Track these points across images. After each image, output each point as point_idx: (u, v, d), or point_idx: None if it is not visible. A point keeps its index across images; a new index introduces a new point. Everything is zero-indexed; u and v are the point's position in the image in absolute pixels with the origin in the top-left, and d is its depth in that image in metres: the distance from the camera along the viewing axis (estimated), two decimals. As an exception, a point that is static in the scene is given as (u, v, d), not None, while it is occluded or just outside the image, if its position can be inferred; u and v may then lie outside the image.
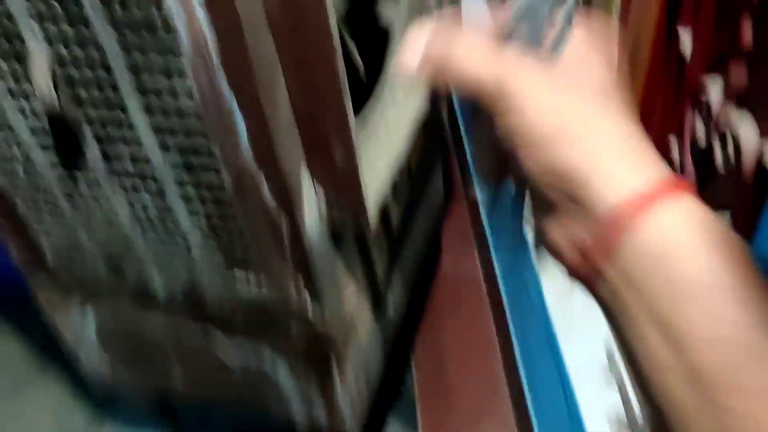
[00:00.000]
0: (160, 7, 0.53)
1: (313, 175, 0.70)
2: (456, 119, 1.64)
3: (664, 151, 0.62)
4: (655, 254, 0.24)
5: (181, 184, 0.69)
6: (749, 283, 0.23)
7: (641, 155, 0.26)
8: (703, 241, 0.24)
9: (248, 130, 0.61)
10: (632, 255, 0.24)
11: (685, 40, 0.55)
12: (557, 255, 0.29)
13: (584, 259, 0.26)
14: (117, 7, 0.55)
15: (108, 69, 0.60)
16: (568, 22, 0.28)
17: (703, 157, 0.57)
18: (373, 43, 0.98)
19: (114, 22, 0.56)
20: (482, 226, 1.39)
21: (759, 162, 0.47)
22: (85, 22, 0.57)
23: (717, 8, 0.51)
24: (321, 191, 0.72)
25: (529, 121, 0.27)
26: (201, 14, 0.53)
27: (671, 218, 0.24)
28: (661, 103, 0.64)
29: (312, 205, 0.72)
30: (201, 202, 0.70)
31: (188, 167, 0.66)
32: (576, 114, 0.27)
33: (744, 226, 0.51)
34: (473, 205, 1.50)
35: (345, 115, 0.63)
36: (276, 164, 0.64)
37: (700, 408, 0.22)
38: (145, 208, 0.74)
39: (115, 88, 0.62)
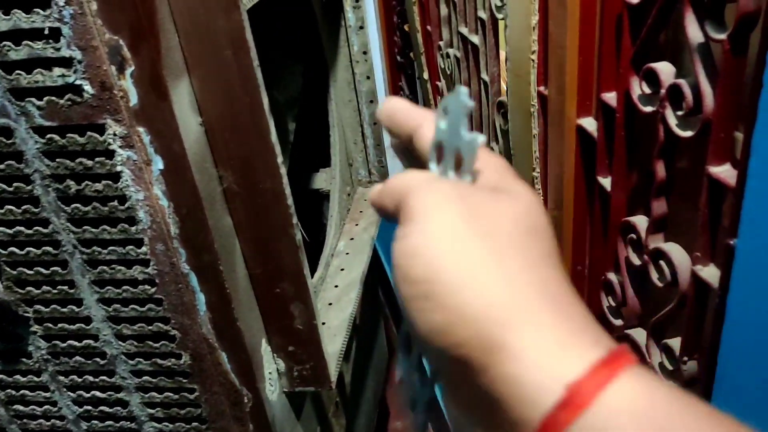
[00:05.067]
0: (123, 200, 0.55)
1: (273, 341, 0.70)
2: (388, 279, 1.68)
3: (606, 288, 0.67)
4: None
5: (137, 373, 0.66)
6: None
7: (568, 320, 0.22)
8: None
9: (208, 305, 0.61)
10: None
11: (606, 187, 0.63)
12: None
13: None
14: (77, 205, 0.56)
15: (64, 264, 0.60)
16: (473, 153, 0.26)
17: (639, 276, 0.62)
18: (309, 210, 1.03)
19: (73, 220, 0.57)
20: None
21: (693, 275, 0.53)
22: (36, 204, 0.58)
23: (628, 158, 0.59)
24: (281, 357, 0.71)
25: (426, 256, 0.22)
26: (160, 193, 0.55)
27: (611, 411, 0.20)
28: (593, 245, 0.70)
29: (273, 375, 0.71)
30: (158, 391, 0.67)
31: (146, 355, 0.65)
32: (485, 259, 0.22)
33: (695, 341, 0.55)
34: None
35: (303, 278, 0.65)
36: (238, 336, 0.64)
37: None
38: (93, 404, 0.70)
39: (70, 283, 0.61)
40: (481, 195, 0.24)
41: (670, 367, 0.58)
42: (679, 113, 0.50)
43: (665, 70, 0.52)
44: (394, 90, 1.75)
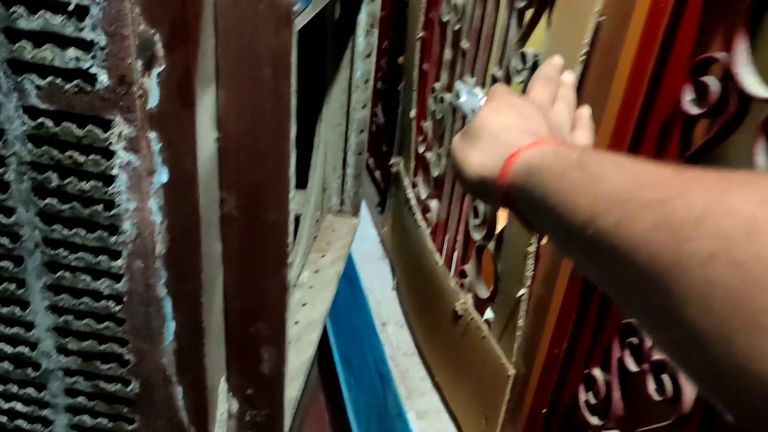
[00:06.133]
0: (110, 206, 0.48)
1: (232, 381, 0.64)
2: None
3: (588, 383, 0.65)
4: (532, 166, 0.38)
5: (72, 393, 0.58)
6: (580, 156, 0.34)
7: (527, 132, 0.43)
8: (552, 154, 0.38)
9: (176, 335, 0.55)
10: (519, 171, 0.39)
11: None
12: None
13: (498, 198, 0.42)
14: (53, 200, 0.49)
15: (18, 260, 0.52)
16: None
17: (631, 383, 0.60)
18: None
19: (44, 215, 0.50)
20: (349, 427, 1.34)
21: (701, 398, 0.51)
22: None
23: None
24: (237, 398, 0.65)
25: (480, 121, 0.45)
26: (155, 208, 0.49)
27: (532, 154, 0.39)
28: (581, 335, 0.68)
29: (224, 417, 0.65)
30: (92, 415, 0.60)
31: (88, 375, 0.57)
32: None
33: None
34: (337, 406, 1.45)
35: (284, 321, 0.60)
36: (200, 373, 0.58)
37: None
38: (10, 416, 0.61)
39: (21, 282, 0.53)
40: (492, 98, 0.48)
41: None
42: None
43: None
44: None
